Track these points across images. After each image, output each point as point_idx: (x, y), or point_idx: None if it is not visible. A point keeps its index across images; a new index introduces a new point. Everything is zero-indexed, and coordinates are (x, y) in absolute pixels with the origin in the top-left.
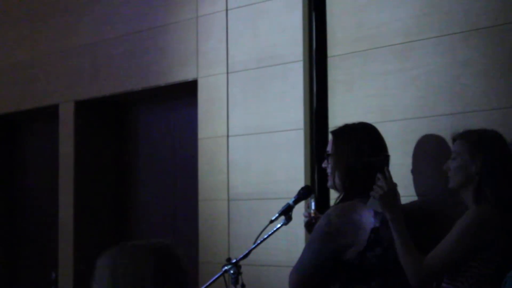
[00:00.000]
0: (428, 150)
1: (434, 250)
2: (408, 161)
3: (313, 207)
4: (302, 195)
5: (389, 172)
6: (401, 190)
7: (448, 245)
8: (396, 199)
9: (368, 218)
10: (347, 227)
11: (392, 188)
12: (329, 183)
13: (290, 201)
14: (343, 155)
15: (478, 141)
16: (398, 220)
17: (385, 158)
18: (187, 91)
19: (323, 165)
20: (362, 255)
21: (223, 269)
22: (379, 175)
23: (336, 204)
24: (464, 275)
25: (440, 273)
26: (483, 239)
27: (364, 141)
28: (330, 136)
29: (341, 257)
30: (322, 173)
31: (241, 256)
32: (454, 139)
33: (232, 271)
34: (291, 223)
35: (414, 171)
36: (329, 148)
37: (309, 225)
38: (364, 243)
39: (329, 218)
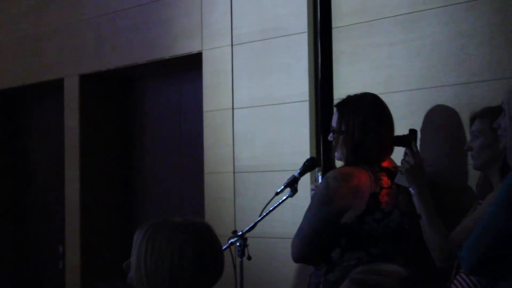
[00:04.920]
0: (436, 120)
1: (460, 226)
2: None
3: (320, 180)
4: (308, 167)
5: (416, 147)
6: None
7: (476, 221)
8: (423, 174)
9: (367, 183)
10: (345, 190)
11: (419, 163)
12: (337, 156)
13: (296, 173)
14: (349, 131)
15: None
16: (424, 195)
17: (413, 133)
18: (192, 64)
19: (329, 138)
20: (361, 219)
21: (229, 242)
22: (406, 150)
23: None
24: None
25: None
26: None
27: (369, 115)
28: (334, 110)
29: (340, 220)
30: (328, 145)
31: (247, 228)
32: (472, 118)
33: (238, 244)
34: (296, 195)
35: (421, 141)
36: (333, 122)
37: None
38: (363, 206)
39: (327, 181)
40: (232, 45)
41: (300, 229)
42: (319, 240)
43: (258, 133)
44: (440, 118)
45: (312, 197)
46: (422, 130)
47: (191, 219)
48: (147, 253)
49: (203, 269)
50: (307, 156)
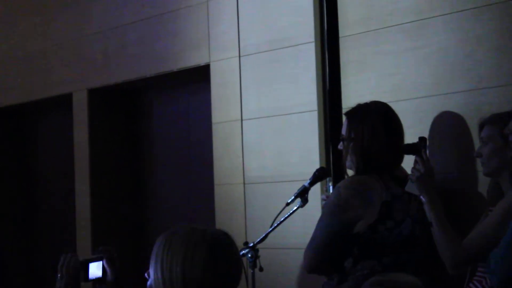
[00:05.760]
0: (444, 127)
1: (473, 233)
2: None
3: (330, 190)
4: (318, 176)
5: (426, 155)
6: None
7: (488, 228)
8: (433, 181)
9: (378, 192)
10: (356, 199)
11: (429, 170)
12: (347, 164)
13: (306, 183)
14: (358, 138)
15: (510, 123)
16: (434, 202)
17: (423, 141)
18: (200, 76)
19: (339, 147)
20: (373, 227)
21: (241, 253)
22: (416, 158)
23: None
24: None
25: (478, 257)
26: None
27: (378, 122)
28: (344, 118)
29: (352, 229)
30: (337, 154)
31: (258, 239)
32: (481, 125)
33: (249, 255)
34: (307, 205)
35: (429, 149)
36: (343, 130)
37: None
38: (374, 215)
39: (338, 191)
40: (239, 56)
41: (313, 239)
42: (332, 249)
43: (267, 143)
44: (448, 125)
45: (324, 207)
46: (430, 137)
47: (211, 227)
48: (163, 255)
49: (216, 272)
50: (317, 165)
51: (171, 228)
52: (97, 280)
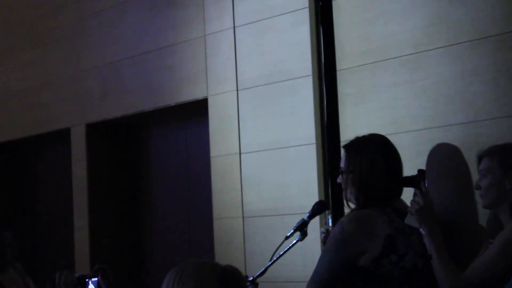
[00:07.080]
0: (441, 159)
1: (472, 265)
2: None
3: (330, 223)
4: (317, 210)
5: (425, 187)
6: None
7: (489, 259)
8: (433, 214)
9: (382, 226)
10: (360, 234)
11: (428, 203)
12: (348, 197)
13: (305, 217)
14: (357, 171)
15: (509, 155)
16: (434, 235)
17: (422, 174)
18: (198, 110)
19: (338, 180)
20: (377, 262)
21: None
22: (416, 191)
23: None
24: None
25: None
26: None
27: (377, 155)
28: (342, 151)
29: (355, 263)
30: (336, 187)
31: (258, 273)
32: (480, 157)
33: None
34: (306, 239)
35: (428, 181)
36: (342, 163)
37: None
38: (379, 249)
39: (342, 225)
40: (237, 90)
41: (316, 274)
42: (335, 284)
43: (265, 177)
44: (446, 157)
45: (328, 241)
46: (428, 169)
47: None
48: (175, 282)
49: None
50: (316, 198)
51: (181, 262)
52: None
